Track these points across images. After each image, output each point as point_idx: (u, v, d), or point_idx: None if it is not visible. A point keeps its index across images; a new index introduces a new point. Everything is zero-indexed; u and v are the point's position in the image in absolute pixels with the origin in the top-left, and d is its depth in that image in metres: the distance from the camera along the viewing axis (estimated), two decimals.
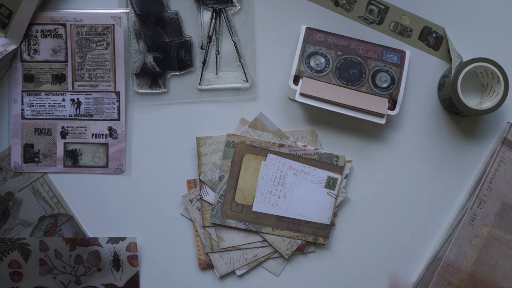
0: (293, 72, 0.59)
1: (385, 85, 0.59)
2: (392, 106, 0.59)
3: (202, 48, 0.62)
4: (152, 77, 0.61)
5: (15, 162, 0.61)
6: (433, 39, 0.62)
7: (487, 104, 0.58)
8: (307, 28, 0.60)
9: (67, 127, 0.61)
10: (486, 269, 0.57)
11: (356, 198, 0.61)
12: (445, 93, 0.60)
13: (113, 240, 0.61)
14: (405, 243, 0.61)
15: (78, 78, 0.61)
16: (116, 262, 0.61)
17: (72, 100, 0.61)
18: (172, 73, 0.62)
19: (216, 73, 0.62)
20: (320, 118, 0.62)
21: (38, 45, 0.61)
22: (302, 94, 0.58)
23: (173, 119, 0.62)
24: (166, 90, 0.62)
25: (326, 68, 0.59)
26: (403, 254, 0.61)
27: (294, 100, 0.59)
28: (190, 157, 0.61)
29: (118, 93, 0.61)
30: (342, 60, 0.59)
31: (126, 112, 0.62)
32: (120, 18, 0.60)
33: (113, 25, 0.60)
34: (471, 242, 0.58)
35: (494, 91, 0.58)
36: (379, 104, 0.58)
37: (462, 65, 0.57)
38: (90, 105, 0.61)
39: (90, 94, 0.61)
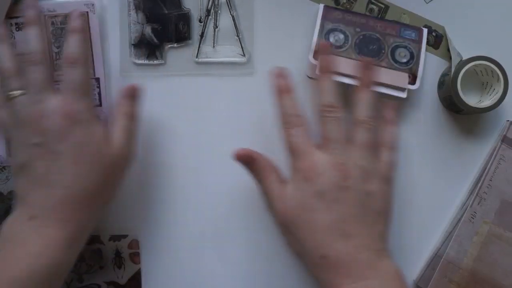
0: (313, 47, 0.59)
1: (404, 60, 0.59)
2: (412, 81, 0.59)
3: (200, 21, 0.62)
4: (150, 48, 0.61)
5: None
6: (433, 38, 0.62)
7: (487, 102, 0.58)
8: (325, 6, 0.60)
9: None
10: (486, 266, 0.58)
11: None
12: (445, 91, 0.60)
13: (115, 238, 0.61)
14: (406, 241, 0.61)
15: (57, 68, 0.60)
16: (118, 260, 0.61)
17: None
18: (170, 45, 0.62)
19: (214, 47, 0.62)
20: None
21: (14, 38, 0.60)
22: None
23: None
24: (163, 61, 0.62)
25: (346, 44, 0.59)
26: (404, 252, 0.61)
27: (312, 78, 0.60)
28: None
29: (98, 79, 0.61)
30: (361, 36, 0.59)
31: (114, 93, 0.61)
32: (93, 5, 0.60)
33: (87, 12, 0.60)
34: (471, 239, 0.58)
35: (494, 89, 0.58)
36: (400, 78, 0.58)
37: (462, 63, 0.57)
38: None
39: None
